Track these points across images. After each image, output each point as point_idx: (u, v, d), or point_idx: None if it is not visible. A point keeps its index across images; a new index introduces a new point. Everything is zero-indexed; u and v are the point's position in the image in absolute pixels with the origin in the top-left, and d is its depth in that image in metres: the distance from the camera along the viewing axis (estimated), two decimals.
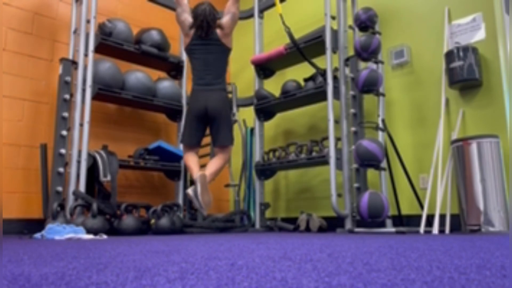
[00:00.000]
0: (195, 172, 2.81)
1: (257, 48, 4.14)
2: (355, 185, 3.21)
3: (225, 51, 3.02)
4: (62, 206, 2.90)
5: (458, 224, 2.72)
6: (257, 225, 3.79)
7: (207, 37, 2.94)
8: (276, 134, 4.46)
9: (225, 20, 2.98)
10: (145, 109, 4.03)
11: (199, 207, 2.66)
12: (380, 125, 3.16)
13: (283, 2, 3.97)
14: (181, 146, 3.96)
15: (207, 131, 3.05)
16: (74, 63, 3.36)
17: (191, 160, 2.96)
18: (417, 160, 3.24)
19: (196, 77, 3.00)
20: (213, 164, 2.92)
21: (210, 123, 2.99)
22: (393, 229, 2.79)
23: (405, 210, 3.19)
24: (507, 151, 2.71)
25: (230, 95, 3.92)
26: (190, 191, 2.66)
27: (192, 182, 3.99)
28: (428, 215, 2.81)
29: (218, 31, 2.96)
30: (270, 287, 0.64)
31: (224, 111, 2.95)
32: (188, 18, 2.99)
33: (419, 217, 2.87)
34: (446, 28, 3.15)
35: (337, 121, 3.33)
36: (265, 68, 4.15)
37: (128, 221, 2.95)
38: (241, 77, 4.95)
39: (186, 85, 4.10)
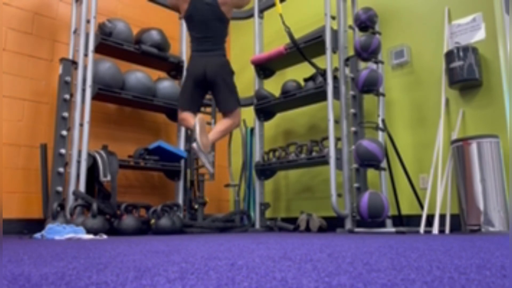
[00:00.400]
0: (192, 120, 2.75)
1: (257, 48, 4.14)
2: (355, 185, 3.20)
3: (224, 19, 2.99)
4: (62, 206, 2.90)
5: (458, 224, 2.72)
6: (257, 225, 3.79)
7: None
8: (276, 134, 4.46)
9: None
10: (145, 109, 4.03)
11: (205, 162, 2.63)
12: (380, 125, 3.16)
13: (283, 2, 3.96)
14: (181, 146, 3.98)
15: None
16: (74, 63, 3.36)
17: (186, 114, 2.89)
18: (417, 160, 3.24)
19: (195, 43, 2.97)
20: (220, 124, 2.88)
21: (211, 90, 2.95)
22: (393, 229, 2.79)
23: (405, 210, 3.19)
24: (507, 151, 2.71)
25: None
26: (194, 144, 2.62)
27: (192, 183, 4.02)
28: (428, 215, 2.81)
29: None
30: (270, 287, 0.64)
31: (224, 75, 2.90)
32: None
33: (419, 217, 2.87)
34: (446, 28, 3.15)
35: (337, 121, 3.33)
36: (265, 68, 4.15)
37: (128, 221, 2.95)
38: (241, 77, 4.94)
39: None
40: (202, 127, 2.63)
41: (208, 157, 2.66)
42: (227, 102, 2.91)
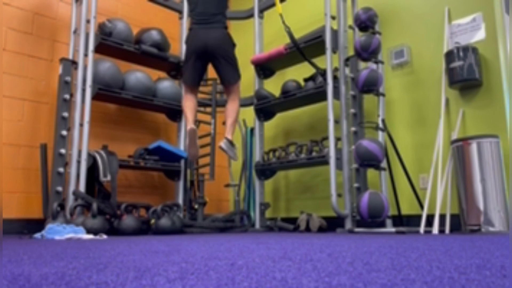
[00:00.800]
0: (189, 123, 2.94)
1: (257, 48, 4.14)
2: (355, 185, 3.20)
3: None
4: (62, 206, 2.90)
5: (458, 224, 2.72)
6: (257, 225, 3.79)
7: None
8: (276, 134, 4.46)
9: None
10: (145, 109, 4.03)
11: (232, 156, 2.97)
12: (380, 125, 3.16)
13: (283, 2, 3.96)
14: (181, 146, 3.98)
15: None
16: (74, 63, 3.36)
17: (188, 107, 3.02)
18: (417, 160, 3.24)
19: (194, 14, 2.98)
20: (230, 116, 3.02)
21: (212, 62, 2.99)
22: (393, 229, 2.79)
23: (405, 210, 3.19)
24: (507, 151, 2.71)
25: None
26: (222, 144, 2.89)
27: (192, 183, 4.02)
28: (428, 215, 2.81)
29: None
30: (270, 287, 0.64)
31: (225, 47, 2.93)
32: None
33: (419, 217, 2.87)
34: (446, 28, 3.15)
35: (337, 121, 3.33)
36: (265, 68, 4.15)
37: (128, 221, 2.95)
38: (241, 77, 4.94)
39: None
40: (192, 140, 2.79)
41: (233, 150, 2.98)
42: (229, 75, 3.00)
